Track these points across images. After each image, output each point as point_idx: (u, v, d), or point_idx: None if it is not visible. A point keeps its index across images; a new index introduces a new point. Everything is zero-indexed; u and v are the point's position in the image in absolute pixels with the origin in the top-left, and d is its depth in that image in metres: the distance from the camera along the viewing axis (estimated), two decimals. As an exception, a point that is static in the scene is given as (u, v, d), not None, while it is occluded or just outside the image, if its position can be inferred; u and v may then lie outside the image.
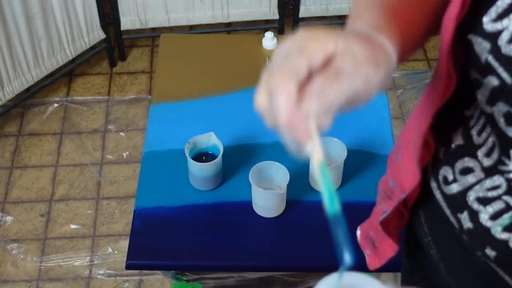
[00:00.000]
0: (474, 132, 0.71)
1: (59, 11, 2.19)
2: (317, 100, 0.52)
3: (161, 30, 2.47)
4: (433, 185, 0.79)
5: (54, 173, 2.16)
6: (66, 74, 2.42)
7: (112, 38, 2.46)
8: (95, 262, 1.95)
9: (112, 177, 2.15)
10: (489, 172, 0.69)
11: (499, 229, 0.68)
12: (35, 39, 2.17)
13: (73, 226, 2.03)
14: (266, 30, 1.90)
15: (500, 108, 0.63)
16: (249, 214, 1.33)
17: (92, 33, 2.35)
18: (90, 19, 2.31)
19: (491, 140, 0.68)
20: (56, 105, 2.36)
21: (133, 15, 2.38)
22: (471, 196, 0.71)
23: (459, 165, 0.73)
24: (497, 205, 0.68)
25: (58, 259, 1.95)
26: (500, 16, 0.59)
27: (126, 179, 2.15)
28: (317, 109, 0.52)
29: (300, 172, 1.36)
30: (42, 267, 1.94)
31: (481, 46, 0.62)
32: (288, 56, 0.53)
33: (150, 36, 2.59)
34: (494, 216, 0.69)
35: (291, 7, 2.47)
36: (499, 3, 0.60)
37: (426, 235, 0.84)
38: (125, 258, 1.27)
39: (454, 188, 0.74)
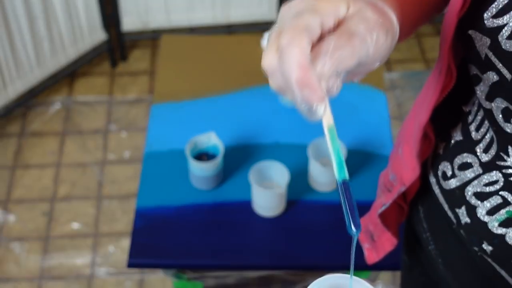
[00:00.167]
0: (472, 127, 0.72)
1: (61, 12, 2.20)
2: (331, 60, 0.50)
3: (162, 31, 2.48)
4: (432, 180, 0.79)
5: (56, 173, 2.17)
6: (68, 75, 2.43)
7: (114, 39, 2.46)
8: (97, 261, 1.96)
9: (113, 177, 2.16)
10: (487, 167, 0.69)
11: (496, 224, 0.68)
12: (37, 39, 2.18)
13: (75, 225, 2.03)
14: (266, 31, 1.91)
15: (498, 104, 0.64)
16: (249, 214, 1.33)
17: (94, 34, 2.36)
18: (92, 20, 2.32)
19: (489, 135, 0.68)
20: (58, 105, 2.37)
21: (134, 16, 2.39)
22: (469, 191, 0.71)
23: (458, 160, 0.73)
24: (494, 200, 0.68)
25: (60, 257, 1.96)
26: (501, 12, 0.60)
27: (127, 179, 2.15)
28: (331, 70, 0.50)
29: (300, 172, 1.37)
30: (44, 266, 1.94)
31: (481, 42, 0.62)
32: (300, 15, 0.51)
33: (151, 37, 2.60)
34: (491, 211, 0.69)
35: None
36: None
37: (425, 230, 0.85)
38: (127, 257, 1.28)
39: (453, 183, 0.74)
